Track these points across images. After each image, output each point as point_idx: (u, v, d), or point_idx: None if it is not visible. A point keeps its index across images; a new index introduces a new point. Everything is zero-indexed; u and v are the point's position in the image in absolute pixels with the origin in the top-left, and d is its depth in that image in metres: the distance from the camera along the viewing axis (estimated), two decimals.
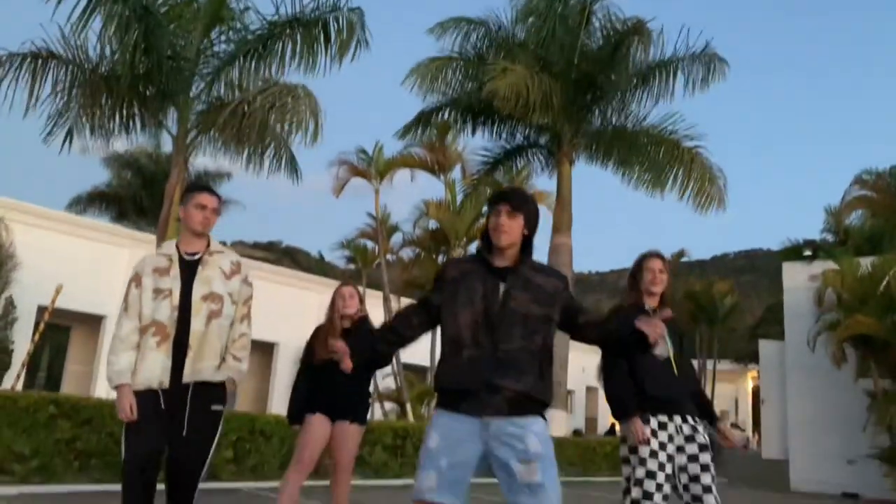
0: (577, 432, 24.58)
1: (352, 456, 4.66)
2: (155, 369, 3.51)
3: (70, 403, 6.52)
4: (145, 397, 3.48)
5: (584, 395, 38.21)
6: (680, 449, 3.70)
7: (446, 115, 16.41)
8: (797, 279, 14.99)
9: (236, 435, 7.75)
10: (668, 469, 3.66)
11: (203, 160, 25.56)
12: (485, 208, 2.89)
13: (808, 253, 15.80)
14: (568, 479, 12.27)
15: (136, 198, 27.04)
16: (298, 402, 4.67)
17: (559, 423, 14.96)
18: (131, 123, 11.91)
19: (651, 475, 3.61)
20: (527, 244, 2.91)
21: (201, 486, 3.64)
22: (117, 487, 6.31)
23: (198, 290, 3.65)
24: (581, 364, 34.81)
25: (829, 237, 21.19)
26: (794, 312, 15.07)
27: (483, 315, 2.78)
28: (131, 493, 3.47)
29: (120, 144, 18.74)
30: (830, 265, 13.86)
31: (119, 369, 3.54)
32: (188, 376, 3.53)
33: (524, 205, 2.89)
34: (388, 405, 20.12)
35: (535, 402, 2.79)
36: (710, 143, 14.74)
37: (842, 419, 13.71)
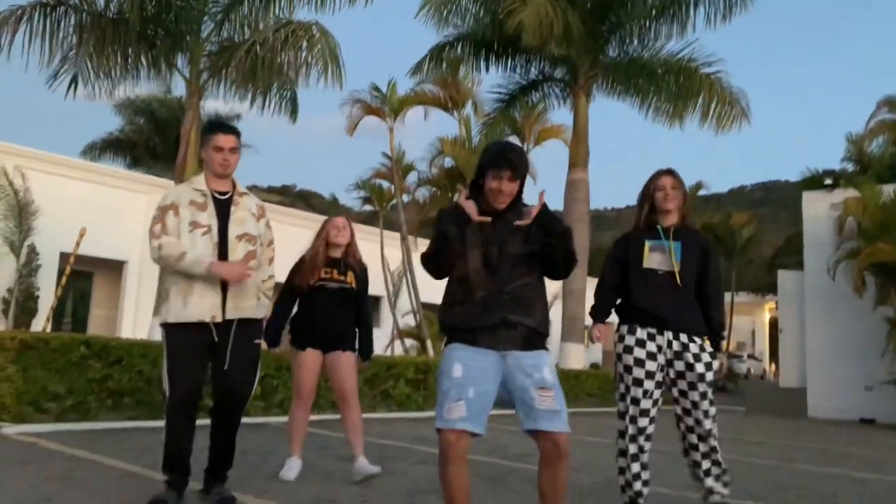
0: (594, 366, 24.84)
1: (353, 385, 4.61)
2: (205, 303, 3.58)
3: (100, 344, 6.67)
4: (193, 332, 3.56)
5: None
6: (669, 363, 3.73)
7: (459, 51, 16.12)
8: (817, 208, 14.84)
9: (264, 372, 7.88)
10: (658, 377, 3.71)
11: (214, 103, 25.40)
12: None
13: (828, 182, 15.57)
14: (587, 409, 12.48)
15: (149, 143, 27.04)
16: (275, 327, 4.60)
17: (577, 356, 15.12)
18: (140, 68, 11.83)
19: (637, 382, 3.69)
20: (517, 192, 2.99)
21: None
22: (150, 424, 6.57)
23: (233, 230, 3.72)
24: None
25: (850, 166, 20.86)
26: (813, 242, 14.98)
27: (484, 260, 2.92)
28: (177, 428, 3.57)
29: (131, 90, 18.58)
30: (851, 193, 13.69)
31: (196, 257, 3.55)
32: (230, 312, 3.63)
33: (524, 169, 2.96)
34: (409, 342, 20.39)
35: (543, 336, 2.97)
36: (730, 71, 14.39)
37: (860, 347, 13.76)
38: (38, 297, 18.14)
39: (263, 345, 4.01)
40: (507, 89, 16.58)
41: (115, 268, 21.23)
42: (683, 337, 3.71)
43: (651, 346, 3.71)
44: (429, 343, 18.59)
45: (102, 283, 22.53)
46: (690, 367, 3.68)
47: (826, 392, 14.32)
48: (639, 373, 3.67)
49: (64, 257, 17.54)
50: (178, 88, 21.90)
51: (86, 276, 22.81)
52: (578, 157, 15.50)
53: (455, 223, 2.95)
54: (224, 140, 3.77)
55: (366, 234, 16.83)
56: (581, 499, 4.37)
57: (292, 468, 4.51)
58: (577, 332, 15.29)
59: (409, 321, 20.41)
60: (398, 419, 8.79)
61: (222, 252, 3.65)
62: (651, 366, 3.68)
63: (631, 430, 3.68)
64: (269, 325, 4.54)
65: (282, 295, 4.70)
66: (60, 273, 17.23)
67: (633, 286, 3.80)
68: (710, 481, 3.78)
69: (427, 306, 19.57)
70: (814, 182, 17.35)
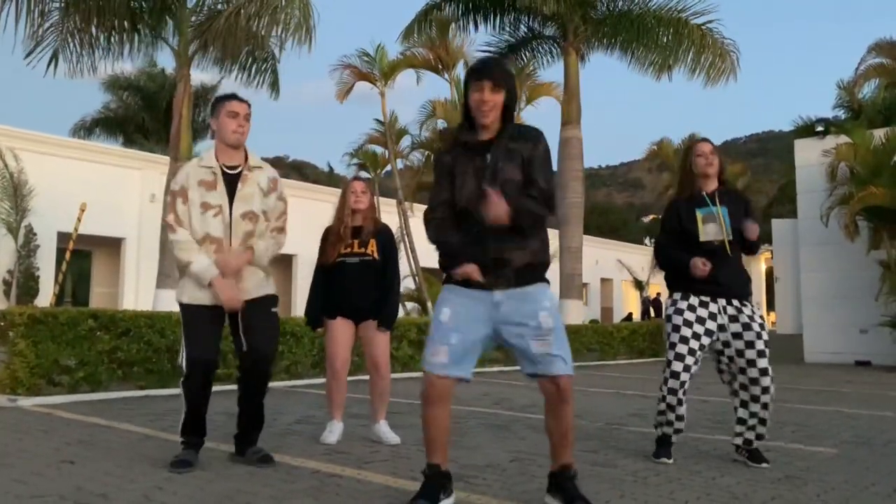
0: (593, 322, 25.08)
1: (385, 355, 4.56)
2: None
3: (107, 316, 6.78)
4: (208, 308, 3.65)
5: (598, 286, 38.81)
6: (722, 328, 3.98)
7: (448, 11, 16.00)
8: (809, 155, 14.90)
9: None
10: (704, 341, 3.96)
11: (199, 75, 25.18)
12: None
13: (820, 129, 15.59)
14: (587, 363, 12.71)
15: (139, 119, 26.90)
16: (315, 307, 4.57)
17: (576, 312, 15.30)
18: (126, 41, 11.72)
19: (684, 340, 3.95)
20: (507, 113, 2.92)
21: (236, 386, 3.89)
22: (161, 392, 6.73)
23: (238, 208, 3.67)
24: (595, 257, 35.22)
25: (842, 114, 20.85)
26: (806, 189, 15.07)
27: (477, 192, 2.83)
28: (194, 392, 3.68)
29: (118, 66, 18.47)
30: (843, 140, 13.74)
31: (206, 266, 3.59)
32: (243, 295, 3.68)
33: (506, 79, 2.89)
34: (410, 304, 20.58)
35: (540, 267, 2.94)
36: (721, 21, 14.36)
37: (854, 290, 13.95)
38: (38, 276, 18.24)
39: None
40: (496, 48, 16.49)
41: (113, 245, 21.29)
42: (735, 303, 3.99)
43: (702, 312, 3.98)
44: (429, 305, 18.79)
45: (101, 260, 22.61)
46: (747, 326, 3.93)
47: (822, 337, 14.55)
48: (686, 332, 3.96)
49: (62, 237, 17.60)
50: (163, 61, 21.79)
51: (84, 255, 22.88)
52: (571, 114, 15.49)
53: (448, 154, 2.97)
54: (239, 106, 3.72)
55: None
56: (584, 441, 4.54)
57: (334, 431, 4.48)
58: (574, 288, 15.45)
59: (409, 284, 20.58)
60: (402, 379, 8.96)
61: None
62: (698, 329, 3.96)
63: (672, 383, 3.96)
64: (309, 305, 4.59)
65: (316, 275, 4.62)
66: (60, 252, 17.31)
67: (692, 255, 3.95)
68: (750, 434, 4.04)
69: (426, 270, 19.72)
70: (806, 130, 17.37)
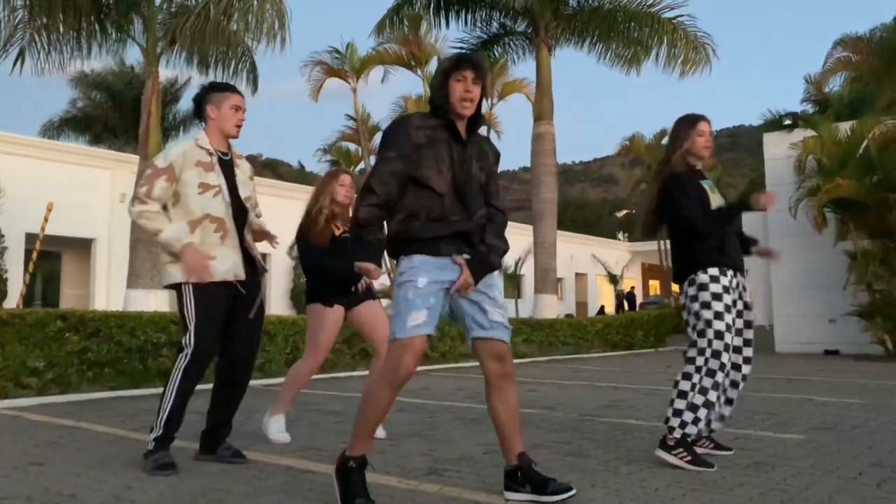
0: (568, 316, 25.23)
1: (385, 333, 4.47)
2: (227, 262, 3.62)
3: (77, 316, 6.70)
4: (220, 288, 3.60)
5: (573, 281, 39.06)
6: (734, 302, 3.76)
7: (419, 7, 15.98)
8: (778, 149, 15.11)
9: None
10: (734, 313, 3.72)
11: (168, 73, 24.88)
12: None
13: (787, 123, 15.83)
14: (562, 356, 12.78)
15: (108, 119, 26.52)
16: (325, 286, 4.36)
17: (551, 307, 15.39)
18: (94, 39, 11.57)
19: (729, 328, 3.66)
20: (476, 112, 2.96)
21: (212, 385, 3.86)
22: (132, 392, 6.66)
23: (242, 192, 3.80)
24: (569, 252, 35.44)
25: (810, 108, 21.17)
26: (775, 182, 15.26)
27: (452, 182, 2.89)
28: (190, 385, 3.59)
29: (85, 64, 18.19)
30: (810, 133, 13.95)
31: (174, 234, 3.55)
32: (261, 271, 3.82)
33: (484, 75, 2.95)
34: (385, 301, 20.53)
35: (498, 263, 3.04)
36: (692, 17, 14.48)
37: (823, 281, 14.18)
38: (6, 279, 17.94)
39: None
40: (469, 44, 16.52)
41: (83, 246, 21.00)
42: (740, 276, 3.84)
43: (725, 282, 3.71)
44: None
45: (71, 262, 22.28)
46: (747, 305, 3.85)
47: (791, 327, 14.78)
48: (729, 318, 3.65)
49: (30, 238, 17.31)
50: (131, 58, 21.49)
51: (54, 257, 22.53)
52: (543, 110, 15.56)
53: (424, 139, 2.88)
54: (241, 100, 3.80)
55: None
56: (557, 432, 4.57)
57: (281, 428, 4.35)
58: (549, 283, 15.54)
59: (385, 280, 20.51)
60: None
61: (239, 210, 3.72)
62: (728, 300, 3.68)
63: (719, 376, 3.63)
64: (317, 292, 4.40)
65: (310, 258, 4.43)
66: (28, 254, 17.02)
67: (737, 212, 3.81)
68: (718, 424, 3.91)
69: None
70: (775, 125, 17.61)
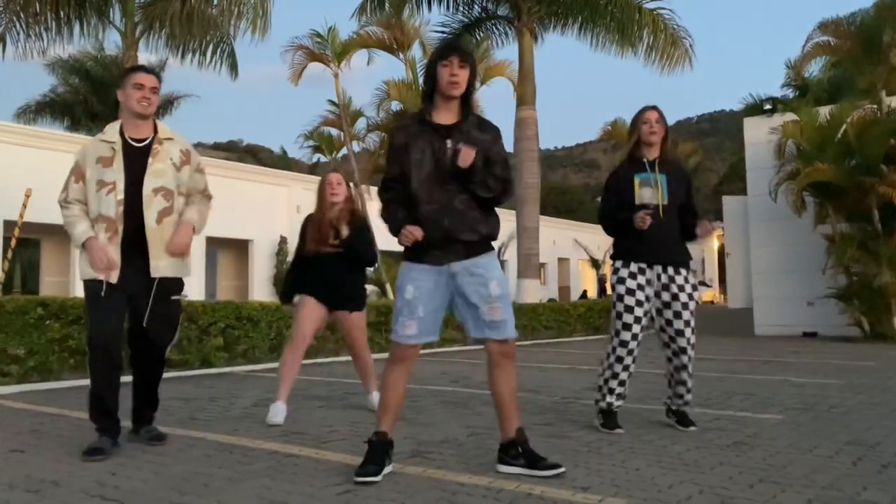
0: (551, 301, 25.36)
1: (363, 340, 4.86)
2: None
3: (57, 304, 6.63)
4: (105, 285, 3.52)
5: (556, 266, 39.23)
6: (657, 294, 4.06)
7: None
8: (758, 133, 15.21)
9: (224, 323, 7.97)
10: (646, 307, 4.04)
11: (148, 56, 24.58)
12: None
13: (768, 107, 15.92)
14: (545, 340, 12.86)
15: (87, 104, 26.13)
16: (293, 285, 4.78)
17: (533, 291, 15.45)
18: (73, 23, 11.43)
19: (629, 309, 4.01)
20: (466, 98, 3.11)
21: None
22: None
23: (150, 183, 3.58)
24: (552, 237, 35.55)
25: (790, 92, 21.30)
26: (755, 166, 15.40)
27: (434, 172, 3.04)
28: (97, 373, 3.56)
29: (64, 49, 17.91)
30: (790, 117, 14.05)
31: (81, 230, 3.56)
32: (152, 272, 3.58)
33: (471, 59, 3.11)
34: (370, 287, 20.54)
35: (487, 243, 3.14)
36: (672, 11, 14.51)
37: (802, 264, 14.34)
38: None
39: (185, 298, 4.05)
40: (450, 27, 16.44)
41: (62, 233, 20.67)
42: (671, 269, 4.06)
43: (641, 279, 4.04)
44: (388, 287, 18.76)
45: (51, 249, 22.04)
46: (675, 297, 4.03)
47: (770, 310, 14.95)
48: (630, 301, 4.01)
49: (8, 225, 17.09)
50: (111, 46, 21.22)
51: (33, 244, 22.26)
52: (526, 94, 15.54)
53: (407, 136, 3.10)
54: (145, 78, 3.66)
55: (316, 184, 16.73)
56: (540, 414, 4.62)
57: (279, 413, 4.43)
58: (532, 268, 15.59)
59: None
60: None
61: (134, 205, 3.54)
62: (640, 296, 4.02)
63: (620, 351, 4.04)
64: (285, 283, 4.86)
65: (295, 260, 4.87)
66: (6, 241, 16.81)
67: (626, 224, 4.02)
68: (683, 406, 4.20)
69: (384, 253, 19.64)
70: (755, 109, 17.70)
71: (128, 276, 3.55)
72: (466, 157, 2.97)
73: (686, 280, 4.07)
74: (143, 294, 3.60)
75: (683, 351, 4.04)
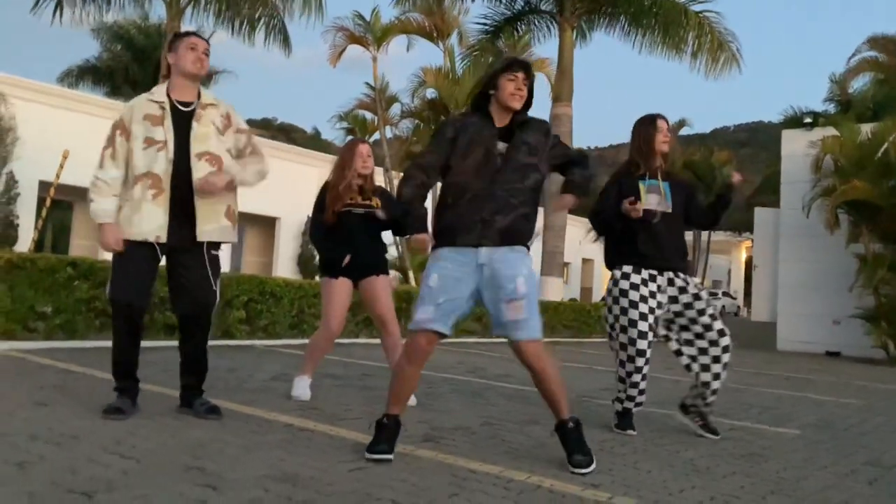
0: (572, 300, 25.29)
1: (390, 307, 4.57)
2: (152, 223, 3.51)
3: (87, 265, 6.75)
4: (139, 246, 3.53)
5: (580, 266, 39.04)
6: (673, 299, 4.02)
7: None
8: (796, 146, 15.00)
9: (247, 297, 8.06)
10: (658, 313, 4.00)
11: (189, 28, 24.81)
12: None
13: (808, 121, 15.70)
14: (564, 339, 12.83)
15: (127, 71, 26.43)
16: (330, 251, 4.50)
17: (556, 289, 15.42)
18: None
19: (644, 317, 3.93)
20: (524, 109, 3.27)
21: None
22: None
23: (195, 147, 3.57)
24: (577, 237, 35.38)
25: (832, 107, 20.95)
26: (790, 179, 15.20)
27: (484, 167, 3.11)
28: (120, 333, 3.59)
29: (109, 15, 18.11)
30: (830, 132, 13.83)
31: (105, 208, 3.54)
32: (199, 236, 3.58)
33: (532, 79, 3.27)
34: (392, 273, 20.61)
35: (522, 235, 3.15)
36: (719, 13, 14.28)
37: (830, 282, 14.14)
38: (17, 225, 18.03)
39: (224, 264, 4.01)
40: (492, 20, 16.38)
41: None
42: (680, 276, 4.04)
43: (652, 286, 3.99)
44: (410, 273, 18.81)
45: (82, 213, 22.38)
46: (697, 296, 4.00)
47: (795, 325, 14.77)
48: (644, 308, 3.93)
49: (43, 186, 17.38)
50: (154, 15, 21.44)
51: (66, 207, 22.64)
52: (562, 91, 15.47)
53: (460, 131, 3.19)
54: (198, 41, 3.66)
55: None
56: None
57: (306, 388, 4.46)
58: (556, 266, 15.55)
59: (393, 252, 20.62)
60: (379, 344, 9.04)
61: (182, 169, 3.53)
62: (652, 303, 3.97)
63: (638, 361, 3.93)
64: (322, 253, 4.59)
65: (316, 230, 4.59)
66: (41, 202, 17.11)
67: (639, 230, 3.98)
68: (712, 398, 4.10)
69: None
70: (795, 122, 17.48)
71: (174, 238, 3.56)
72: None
73: (696, 286, 4.07)
74: (188, 257, 3.63)
75: (716, 343, 3.97)
